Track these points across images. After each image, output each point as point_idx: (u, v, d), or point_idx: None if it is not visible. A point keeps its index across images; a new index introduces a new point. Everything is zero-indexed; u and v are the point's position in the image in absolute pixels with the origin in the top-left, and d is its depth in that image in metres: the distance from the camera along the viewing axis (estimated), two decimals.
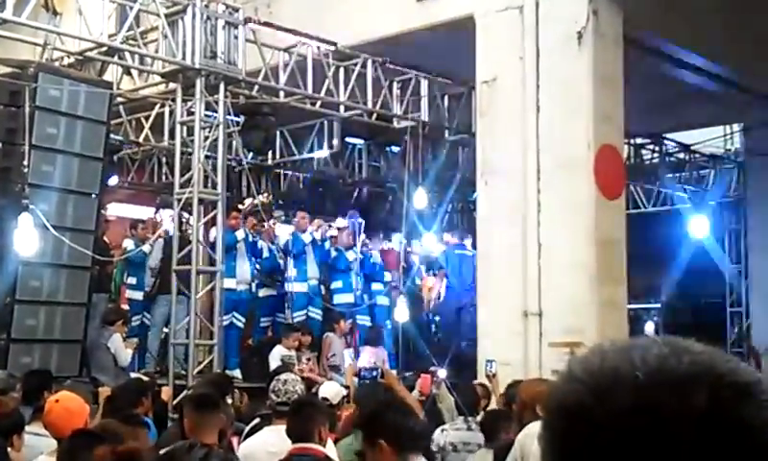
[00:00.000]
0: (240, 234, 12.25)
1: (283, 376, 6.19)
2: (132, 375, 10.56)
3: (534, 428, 5.59)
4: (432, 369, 9.90)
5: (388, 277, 14.46)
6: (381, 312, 14.10)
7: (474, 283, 11.88)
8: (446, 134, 13.22)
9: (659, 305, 20.94)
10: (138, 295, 12.81)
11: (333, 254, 13.95)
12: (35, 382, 7.61)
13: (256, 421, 7.13)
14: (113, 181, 12.79)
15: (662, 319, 20.72)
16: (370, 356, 12.39)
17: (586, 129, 10.17)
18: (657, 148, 17.34)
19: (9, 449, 5.53)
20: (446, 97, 12.95)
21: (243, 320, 12.47)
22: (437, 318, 14.90)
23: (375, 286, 14.23)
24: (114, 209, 14.54)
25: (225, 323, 11.08)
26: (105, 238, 12.17)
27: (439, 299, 15.01)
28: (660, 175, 17.59)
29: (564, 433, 0.92)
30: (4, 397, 7.30)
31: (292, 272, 13.21)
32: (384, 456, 3.92)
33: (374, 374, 7.72)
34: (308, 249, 13.38)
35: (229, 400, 7.52)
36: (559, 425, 0.93)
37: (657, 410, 0.88)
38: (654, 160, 17.62)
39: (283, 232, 13.96)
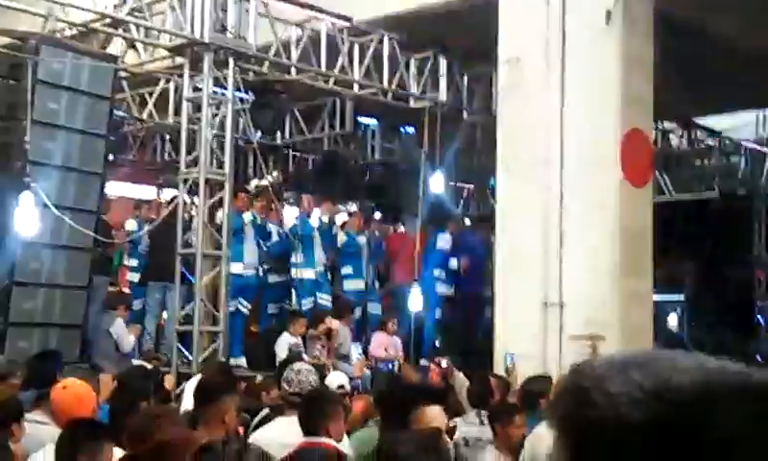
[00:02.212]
0: (247, 217, 12.30)
1: (296, 366, 6.25)
2: (134, 361, 10.66)
3: (542, 429, 5.65)
4: (436, 359, 9.96)
5: (454, 263, 14.43)
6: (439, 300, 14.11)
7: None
8: (465, 116, 13.22)
9: (682, 298, 20.93)
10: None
11: (343, 238, 13.99)
12: (47, 365, 7.53)
13: (266, 411, 7.22)
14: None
15: (686, 312, 20.73)
16: (382, 343, 12.45)
17: (613, 113, 10.19)
18: (685, 133, 17.33)
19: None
20: (466, 76, 12.95)
21: (249, 306, 12.52)
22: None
23: (437, 273, 14.23)
24: (115, 189, 14.60)
25: (230, 309, 11.14)
26: (105, 218, 12.25)
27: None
28: (689, 161, 17.58)
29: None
30: (2, 383, 7.35)
31: (299, 257, 13.26)
32: None
33: (390, 365, 7.77)
34: (315, 233, 13.43)
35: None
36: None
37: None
38: (682, 147, 17.61)
39: (289, 216, 14.00)
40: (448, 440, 3.53)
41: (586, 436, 0.96)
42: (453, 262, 14.20)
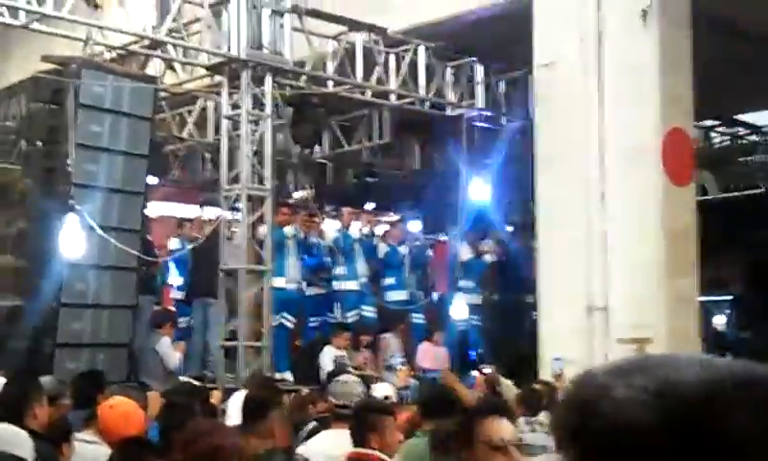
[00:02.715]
0: (290, 231, 12.32)
1: (342, 378, 6.25)
2: (182, 378, 10.70)
3: None
4: (480, 367, 9.93)
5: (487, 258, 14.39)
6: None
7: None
8: (503, 122, 13.17)
9: (730, 298, 20.65)
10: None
11: (384, 249, 13.97)
12: (88, 385, 7.60)
13: (313, 424, 7.21)
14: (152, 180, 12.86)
15: (734, 313, 20.44)
16: (429, 354, 12.39)
17: (652, 113, 10.09)
18: (727, 131, 17.13)
19: None
20: (503, 83, 12.90)
21: (293, 320, 12.54)
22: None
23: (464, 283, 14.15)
24: (157, 208, 14.68)
25: (274, 323, 11.17)
26: (148, 238, 12.34)
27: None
28: (731, 159, 17.37)
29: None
30: (53, 404, 7.39)
31: (341, 270, 13.26)
32: None
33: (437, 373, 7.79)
34: (356, 245, 13.43)
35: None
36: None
37: None
38: (724, 144, 17.40)
39: (329, 229, 14.01)
40: (518, 454, 3.44)
41: (597, 446, 0.95)
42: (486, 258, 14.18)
